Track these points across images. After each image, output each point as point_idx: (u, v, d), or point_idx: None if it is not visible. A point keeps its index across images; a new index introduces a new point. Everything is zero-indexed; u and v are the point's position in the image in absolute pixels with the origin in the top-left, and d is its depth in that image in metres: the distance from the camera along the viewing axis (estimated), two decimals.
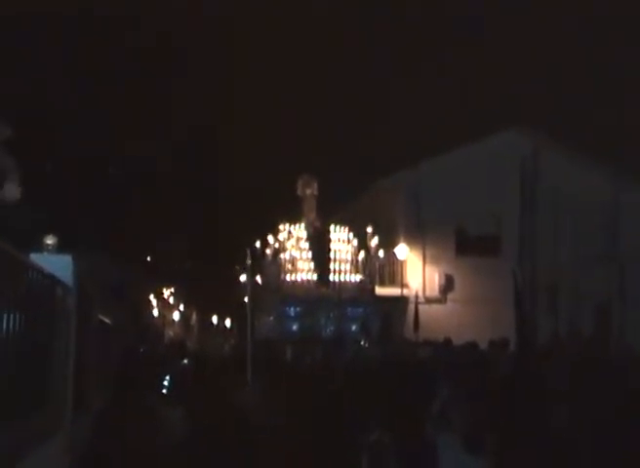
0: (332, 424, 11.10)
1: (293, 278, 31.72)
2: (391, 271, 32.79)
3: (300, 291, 31.46)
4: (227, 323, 59.93)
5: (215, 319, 64.82)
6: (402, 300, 32.24)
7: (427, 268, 33.37)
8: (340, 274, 31.60)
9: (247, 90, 48.68)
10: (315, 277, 31.73)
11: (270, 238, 32.51)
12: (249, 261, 19.97)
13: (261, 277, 31.63)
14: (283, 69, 52.18)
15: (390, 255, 32.56)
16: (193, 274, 56.35)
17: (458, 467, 8.38)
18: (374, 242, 31.74)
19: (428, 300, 32.44)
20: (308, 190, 33.23)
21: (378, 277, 32.34)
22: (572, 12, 46.95)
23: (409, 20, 51.95)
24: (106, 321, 16.91)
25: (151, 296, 58.15)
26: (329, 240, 32.06)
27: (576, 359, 13.52)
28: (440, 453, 8.60)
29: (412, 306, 31.15)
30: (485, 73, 49.27)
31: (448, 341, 16.88)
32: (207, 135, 48.20)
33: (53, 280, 7.72)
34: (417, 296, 31.23)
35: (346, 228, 32.23)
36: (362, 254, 31.77)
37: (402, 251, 32.64)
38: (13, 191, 8.26)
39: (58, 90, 37.21)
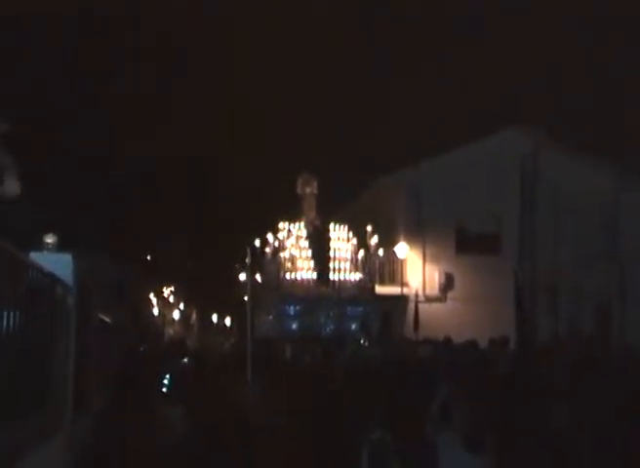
0: (332, 424, 11.10)
1: (292, 277, 31.72)
2: (391, 270, 32.79)
3: (299, 289, 31.47)
4: (227, 321, 59.98)
5: (215, 317, 64.87)
6: (402, 299, 32.23)
7: (427, 267, 33.36)
8: (339, 273, 31.61)
9: (247, 90, 48.66)
10: (315, 276, 31.74)
11: (270, 237, 32.52)
12: (248, 260, 19.96)
13: (261, 276, 31.64)
14: (283, 69, 52.17)
15: (390, 254, 32.56)
16: (193, 273, 56.42)
17: (458, 466, 8.38)
18: (373, 240, 31.75)
19: (428, 299, 32.43)
20: (308, 189, 33.26)
21: (378, 276, 32.35)
22: (572, 12, 46.95)
23: (409, 20, 51.97)
24: (106, 320, 16.91)
25: (151, 295, 58.20)
26: (328, 238, 32.07)
27: (576, 358, 13.51)
28: (440, 453, 8.60)
29: (412, 305, 31.14)
30: (485, 73, 49.29)
31: (448, 340, 16.88)
32: (207, 135, 48.21)
33: (53, 279, 7.72)
34: (417, 295, 31.23)
35: (346, 227, 32.25)
36: (362, 253, 31.78)
37: (402, 249, 32.64)
38: (12, 187, 8.25)
39: (58, 90, 37.22)
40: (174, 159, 45.77)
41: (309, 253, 32.00)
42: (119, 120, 40.32)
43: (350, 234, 32.09)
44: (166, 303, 63.01)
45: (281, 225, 32.70)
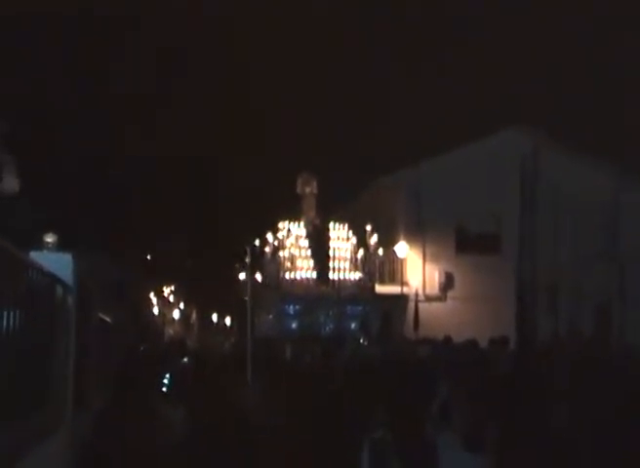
0: (332, 424, 11.10)
1: (292, 276, 31.73)
2: (391, 269, 32.81)
3: (299, 289, 31.49)
4: (227, 321, 59.99)
5: (215, 317, 64.87)
6: (402, 298, 32.25)
7: (427, 266, 33.38)
8: (339, 272, 31.61)
9: (247, 90, 48.64)
10: (315, 275, 31.74)
11: (270, 236, 32.52)
12: (248, 260, 19.97)
13: (261, 275, 31.64)
14: (283, 69, 52.15)
15: (390, 254, 32.57)
16: (193, 273, 56.40)
17: (458, 466, 8.38)
18: (373, 240, 31.75)
19: (428, 298, 32.46)
20: (308, 188, 33.27)
21: (378, 275, 32.37)
22: (572, 12, 46.93)
23: (409, 20, 51.92)
24: (107, 320, 16.91)
25: (151, 295, 58.20)
26: (328, 238, 32.08)
27: (576, 358, 13.51)
28: (440, 453, 8.60)
29: (412, 304, 31.21)
30: (485, 73, 49.24)
31: (448, 339, 16.86)
32: (206, 135, 48.19)
33: (53, 278, 7.72)
34: (417, 294, 31.27)
35: (346, 226, 32.24)
36: (361, 252, 31.79)
37: (402, 249, 32.65)
38: (11, 184, 8.25)
39: (58, 90, 37.19)
40: (174, 159, 45.73)
41: (309, 252, 32.01)
42: (119, 120, 40.29)
43: (350, 233, 32.10)
44: (166, 303, 63.03)
45: (281, 225, 32.70)
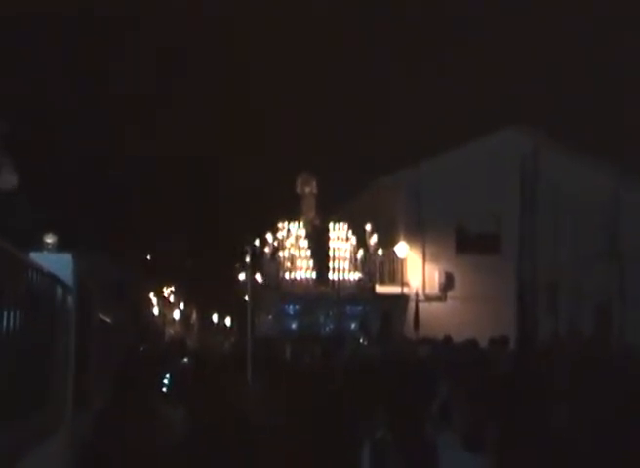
0: (332, 424, 11.09)
1: (292, 276, 31.73)
2: (391, 269, 32.82)
3: (299, 289, 31.49)
4: (228, 321, 59.98)
5: (215, 317, 64.87)
6: (402, 298, 32.25)
7: (427, 266, 33.38)
8: (339, 272, 31.61)
9: (247, 90, 48.64)
10: (314, 275, 31.74)
11: (269, 236, 32.51)
12: (248, 260, 19.96)
13: (261, 275, 31.64)
14: (283, 69, 52.15)
15: (390, 254, 32.57)
16: (193, 273, 56.41)
17: (458, 466, 8.38)
18: (373, 240, 31.75)
19: (428, 298, 32.46)
20: (307, 189, 33.26)
21: (378, 275, 32.37)
22: (572, 12, 46.93)
23: (409, 20, 51.92)
24: (107, 320, 16.91)
25: (151, 295, 58.20)
26: (328, 238, 32.07)
27: (576, 358, 13.51)
28: (440, 453, 8.60)
29: (412, 304, 31.21)
30: (485, 73, 49.24)
31: (448, 339, 16.86)
32: (207, 135, 48.19)
33: (53, 279, 7.72)
34: (417, 295, 31.27)
35: (345, 226, 32.24)
36: (361, 253, 31.78)
37: (402, 249, 32.65)
38: (9, 179, 8.25)
39: (58, 90, 37.19)
40: (174, 159, 45.74)
41: (309, 252, 32.01)
42: (119, 120, 40.29)
43: (350, 234, 32.09)
44: (166, 303, 63.03)
45: (280, 225, 32.69)
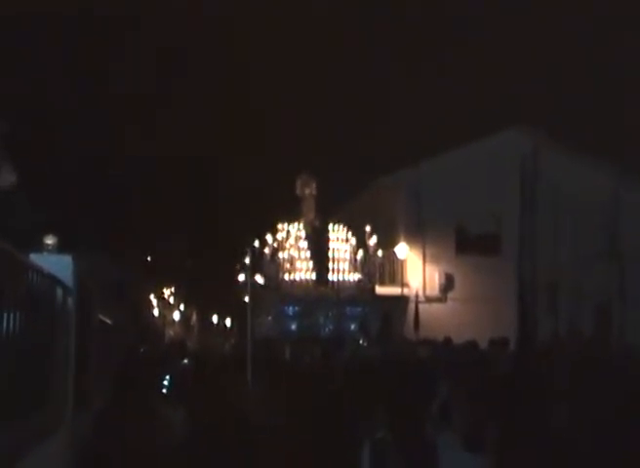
0: (332, 424, 11.10)
1: (292, 277, 31.71)
2: (391, 270, 32.81)
3: (298, 290, 31.48)
4: (228, 322, 59.96)
5: (215, 318, 64.85)
6: (402, 300, 32.24)
7: (427, 267, 33.38)
8: (338, 273, 31.60)
9: (247, 90, 48.64)
10: (314, 276, 31.72)
11: (269, 237, 32.49)
12: (248, 261, 19.95)
13: (261, 276, 31.63)
14: (283, 69, 52.16)
15: (390, 255, 32.57)
16: (193, 274, 56.40)
17: (458, 466, 8.38)
18: (372, 241, 31.74)
19: (429, 299, 32.46)
20: (307, 190, 33.23)
21: (378, 276, 32.36)
22: (572, 12, 46.93)
23: (409, 20, 51.93)
24: (107, 321, 16.91)
25: (151, 296, 58.21)
26: (327, 239, 32.05)
27: (576, 358, 13.52)
28: (440, 453, 8.60)
29: (412, 305, 31.20)
30: (485, 73, 49.25)
31: (448, 340, 16.87)
32: (207, 135, 48.19)
33: (53, 280, 7.72)
34: (417, 296, 31.26)
35: (345, 227, 32.22)
36: (361, 253, 31.77)
37: (402, 250, 32.65)
38: (9, 178, 8.24)
39: (58, 90, 37.20)
40: (174, 159, 45.74)
41: (308, 253, 32.00)
42: (119, 120, 40.30)
43: (349, 235, 32.08)
44: (166, 304, 63.03)
45: (280, 226, 32.67)
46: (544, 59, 50.44)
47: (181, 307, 65.26)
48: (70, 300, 8.93)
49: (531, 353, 15.47)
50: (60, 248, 9.68)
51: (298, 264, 31.79)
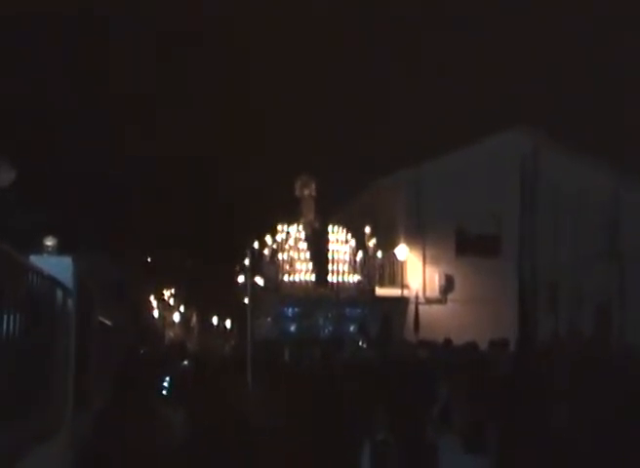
0: (332, 425, 11.10)
1: (291, 279, 31.68)
2: (391, 272, 32.77)
3: (298, 291, 31.43)
4: (228, 324, 59.96)
5: (215, 320, 64.84)
6: (402, 301, 32.21)
7: (427, 268, 33.34)
8: (338, 274, 31.57)
9: (247, 90, 48.66)
10: (313, 277, 31.69)
11: (268, 239, 32.45)
12: (247, 262, 19.93)
13: (260, 278, 31.60)
14: (283, 69, 52.18)
15: (390, 256, 32.55)
16: (193, 275, 56.40)
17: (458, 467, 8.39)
18: (372, 242, 31.72)
19: (429, 301, 32.43)
20: (306, 191, 33.18)
21: (378, 277, 32.32)
22: (572, 12, 46.95)
23: (409, 20, 51.96)
24: (106, 322, 16.91)
25: (151, 297, 58.21)
26: (327, 240, 32.02)
27: (576, 358, 13.52)
28: (441, 454, 8.61)
29: (412, 307, 31.17)
30: (485, 73, 49.28)
31: (448, 342, 16.86)
32: (207, 135, 48.20)
33: (53, 282, 7.73)
34: (417, 297, 31.23)
35: (345, 228, 32.18)
36: (360, 255, 31.74)
37: (402, 251, 32.63)
38: (7, 175, 8.25)
39: (58, 90, 37.21)
40: (174, 159, 45.75)
41: (308, 255, 31.97)
42: (119, 120, 40.33)
43: (349, 236, 32.05)
44: (166, 306, 63.04)
45: (280, 227, 32.63)
46: (544, 59, 50.49)
47: (181, 308, 65.27)
48: (70, 302, 8.93)
49: (531, 354, 15.47)
50: (60, 249, 9.69)
51: (297, 266, 31.75)
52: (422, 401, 10.72)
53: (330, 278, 31.54)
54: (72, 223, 30.04)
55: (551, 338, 21.81)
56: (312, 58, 50.58)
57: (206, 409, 11.87)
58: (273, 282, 31.72)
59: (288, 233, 32.44)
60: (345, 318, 31.24)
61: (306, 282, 31.64)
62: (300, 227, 32.58)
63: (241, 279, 31.56)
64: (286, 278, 31.69)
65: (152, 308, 58.35)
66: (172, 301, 64.13)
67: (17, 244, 6.10)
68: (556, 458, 9.90)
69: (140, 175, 43.27)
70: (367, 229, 31.78)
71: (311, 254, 31.91)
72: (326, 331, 30.86)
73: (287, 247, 32.12)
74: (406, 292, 32.33)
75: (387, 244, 32.47)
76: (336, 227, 32.23)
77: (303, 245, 32.13)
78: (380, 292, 32.13)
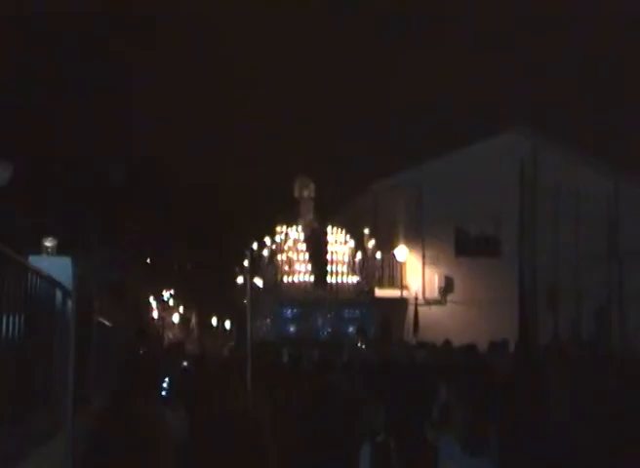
0: (331, 426, 11.09)
1: (290, 280, 31.66)
2: (391, 273, 32.76)
3: (297, 292, 31.40)
4: (227, 325, 59.92)
5: (214, 321, 64.79)
6: (402, 302, 32.21)
7: (427, 270, 33.34)
8: (337, 276, 31.56)
9: (247, 90, 48.70)
10: (312, 279, 31.67)
11: (267, 240, 32.43)
12: (246, 263, 19.89)
13: (259, 279, 31.57)
14: (283, 70, 52.22)
15: (390, 257, 32.54)
16: (192, 275, 56.36)
17: None
18: (371, 243, 31.70)
19: (428, 302, 32.44)
20: (305, 192, 33.14)
21: (377, 279, 32.31)
22: (572, 12, 47.00)
23: (409, 21, 52.00)
24: (106, 323, 16.89)
25: (151, 298, 58.17)
26: (326, 241, 32.00)
27: (575, 359, 13.52)
28: (440, 456, 8.60)
29: (412, 308, 31.17)
30: (485, 73, 49.32)
31: (447, 343, 16.85)
32: (206, 135, 48.22)
33: (52, 282, 7.72)
34: (416, 298, 31.23)
35: (344, 230, 32.16)
36: (359, 256, 31.72)
37: (402, 252, 32.62)
38: (3, 173, 8.25)
39: (57, 90, 37.21)
40: (174, 159, 45.78)
41: (307, 256, 31.95)
42: (119, 120, 40.31)
43: (348, 237, 32.04)
44: (165, 307, 62.98)
45: (278, 228, 32.61)
46: (544, 60, 50.53)
47: (181, 309, 65.22)
48: (70, 303, 8.92)
49: (530, 355, 15.47)
50: (60, 250, 9.69)
51: (296, 267, 31.74)
52: (422, 402, 10.72)
53: (329, 279, 31.53)
54: (72, 224, 30.02)
55: (551, 339, 21.83)
56: (312, 59, 50.66)
57: (205, 409, 11.85)
58: (272, 283, 31.70)
59: (287, 234, 32.42)
60: (344, 319, 31.20)
61: (305, 283, 31.62)
62: (299, 228, 32.55)
63: (240, 280, 31.55)
64: (285, 279, 31.67)
65: (152, 309, 58.29)
66: (171, 302, 64.08)
67: (16, 244, 6.10)
68: (556, 460, 9.89)
69: (140, 176, 43.29)
70: (366, 230, 31.77)
71: (310, 256, 31.88)
72: (325, 332, 30.83)
73: (286, 248, 32.10)
74: (405, 294, 32.34)
75: (387, 245, 32.46)
76: (335, 228, 32.22)
77: (302, 246, 32.11)
78: (379, 293, 32.12)
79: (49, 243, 9.62)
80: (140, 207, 43.64)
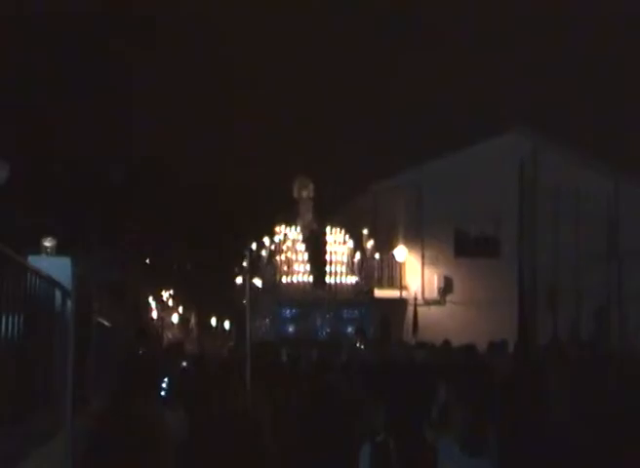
0: (331, 426, 11.09)
1: (289, 280, 31.65)
2: (390, 273, 32.76)
3: (296, 293, 31.39)
4: (226, 325, 59.94)
5: (213, 321, 64.80)
6: (401, 302, 32.21)
7: (426, 270, 33.34)
8: (336, 276, 31.55)
9: (247, 90, 48.71)
10: (311, 279, 31.66)
11: (266, 240, 32.42)
12: (245, 263, 19.90)
13: (258, 279, 31.56)
14: (283, 70, 52.22)
15: (389, 257, 32.54)
16: (192, 276, 56.37)
17: None
18: (369, 244, 31.70)
19: (427, 302, 32.44)
20: (304, 192, 33.12)
21: (377, 279, 32.30)
22: (572, 12, 47.02)
23: (409, 21, 52.00)
24: (105, 323, 16.89)
25: (150, 299, 58.18)
26: (325, 242, 31.99)
27: (575, 359, 13.52)
28: (440, 456, 8.60)
29: (411, 308, 31.18)
30: (485, 73, 49.34)
31: (447, 343, 16.85)
32: (206, 135, 48.22)
33: (51, 282, 7.72)
34: (416, 298, 31.23)
35: (343, 230, 32.15)
36: (358, 256, 31.71)
37: (401, 252, 32.62)
38: (1, 173, 8.26)
39: (57, 90, 37.20)
40: (173, 159, 45.77)
41: (306, 256, 31.94)
42: (119, 120, 40.31)
43: (347, 237, 32.03)
44: (165, 307, 62.99)
45: (277, 229, 32.60)
46: (544, 60, 50.55)
47: (180, 310, 65.23)
48: (69, 303, 8.92)
49: (530, 355, 15.47)
50: (59, 250, 9.70)
51: (295, 267, 31.73)
52: (421, 402, 10.72)
53: (328, 279, 31.53)
54: (71, 224, 30.01)
55: (551, 339, 21.83)
56: (312, 59, 50.67)
57: (204, 409, 11.85)
58: (271, 283, 31.70)
59: (286, 234, 32.41)
60: (343, 319, 31.19)
61: (304, 283, 31.62)
62: (298, 229, 32.54)
63: (239, 280, 31.54)
64: (284, 279, 31.66)
65: (151, 309, 58.31)
66: (170, 302, 64.09)
67: (16, 244, 6.09)
68: (556, 459, 9.89)
69: (140, 176, 43.29)
70: (365, 231, 31.76)
71: (309, 256, 31.88)
72: (324, 332, 30.83)
73: (285, 248, 32.10)
74: (404, 294, 32.34)
75: (386, 245, 32.45)
76: (334, 229, 32.21)
77: (301, 246, 32.10)
78: (378, 293, 32.12)
79: (48, 243, 9.63)
80: (139, 207, 43.61)
